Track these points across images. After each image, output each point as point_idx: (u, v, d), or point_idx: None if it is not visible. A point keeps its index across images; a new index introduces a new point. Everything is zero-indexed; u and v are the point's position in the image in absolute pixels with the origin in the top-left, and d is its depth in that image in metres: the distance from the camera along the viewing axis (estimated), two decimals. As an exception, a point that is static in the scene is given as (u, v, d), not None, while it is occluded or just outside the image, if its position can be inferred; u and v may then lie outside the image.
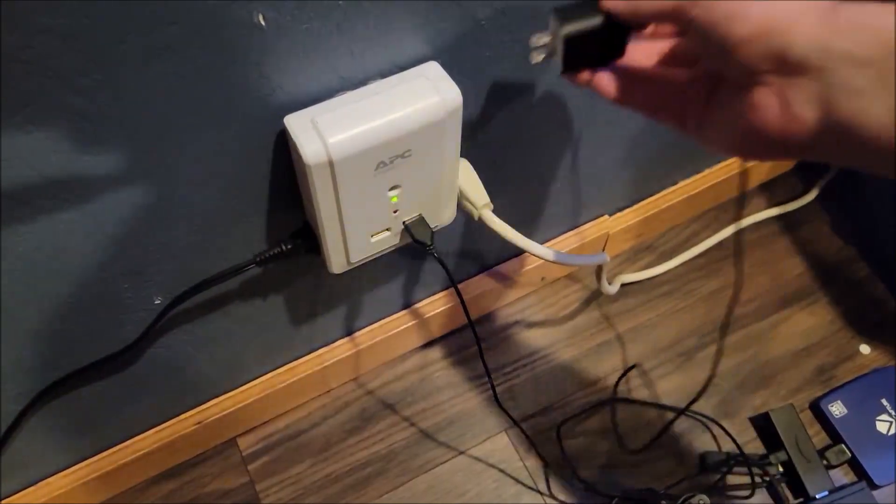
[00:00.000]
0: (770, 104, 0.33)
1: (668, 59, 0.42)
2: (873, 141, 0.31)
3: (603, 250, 0.89)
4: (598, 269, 0.79)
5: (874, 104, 0.30)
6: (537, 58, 0.44)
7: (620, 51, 0.43)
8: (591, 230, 0.85)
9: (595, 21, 0.41)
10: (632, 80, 0.43)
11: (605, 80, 0.43)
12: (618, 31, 0.41)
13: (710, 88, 0.38)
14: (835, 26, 0.31)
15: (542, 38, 0.43)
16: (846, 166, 0.34)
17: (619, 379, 0.84)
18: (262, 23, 0.41)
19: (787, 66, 0.32)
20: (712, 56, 0.35)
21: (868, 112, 0.31)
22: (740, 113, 0.35)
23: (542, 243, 0.81)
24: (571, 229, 0.85)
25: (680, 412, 0.81)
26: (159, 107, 0.42)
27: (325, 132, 0.45)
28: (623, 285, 0.89)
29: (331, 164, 0.45)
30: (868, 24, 0.30)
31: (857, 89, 0.30)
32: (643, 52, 0.43)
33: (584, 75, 0.43)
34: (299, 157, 0.45)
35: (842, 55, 0.30)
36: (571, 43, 0.41)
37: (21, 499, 0.68)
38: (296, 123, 0.46)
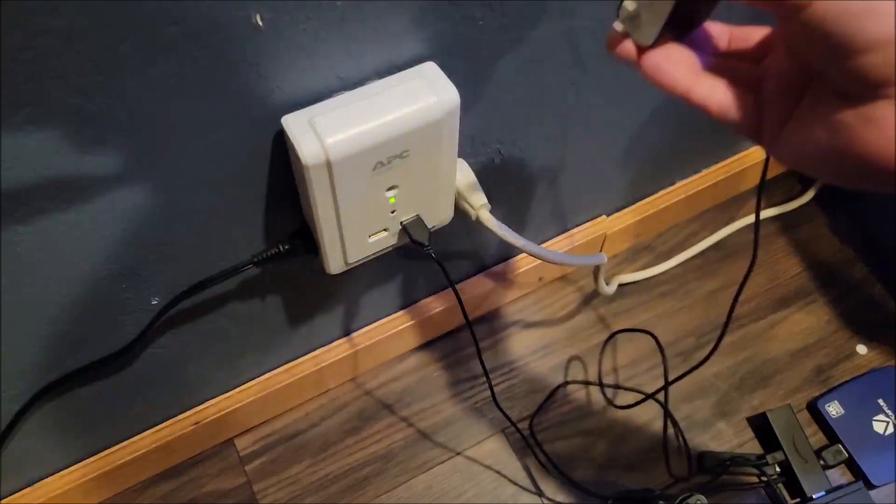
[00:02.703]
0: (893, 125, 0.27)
1: (747, 49, 0.35)
2: None
3: (601, 250, 0.89)
4: (596, 270, 0.79)
5: None
6: (620, 26, 0.36)
7: (701, 20, 0.36)
8: (589, 230, 0.85)
9: None
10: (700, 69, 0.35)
11: (665, 60, 0.35)
12: None
13: (800, 91, 0.31)
14: None
15: (632, 3, 0.36)
16: None
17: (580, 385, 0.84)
18: (260, 23, 0.41)
19: None
20: (823, 56, 0.28)
21: None
22: (844, 127, 0.28)
23: (539, 243, 0.81)
24: (569, 229, 0.85)
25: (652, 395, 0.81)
26: (158, 107, 0.42)
27: (322, 133, 0.45)
28: (621, 286, 0.89)
29: (328, 164, 0.45)
30: None
31: None
32: (715, 31, 0.36)
33: (655, 54, 0.35)
34: (297, 157, 0.45)
35: None
36: (679, 6, 0.34)
37: (19, 499, 0.68)
38: (293, 124, 0.46)
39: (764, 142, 0.33)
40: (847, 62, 0.27)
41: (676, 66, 0.34)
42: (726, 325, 0.66)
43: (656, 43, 0.35)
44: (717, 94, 0.34)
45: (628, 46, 0.35)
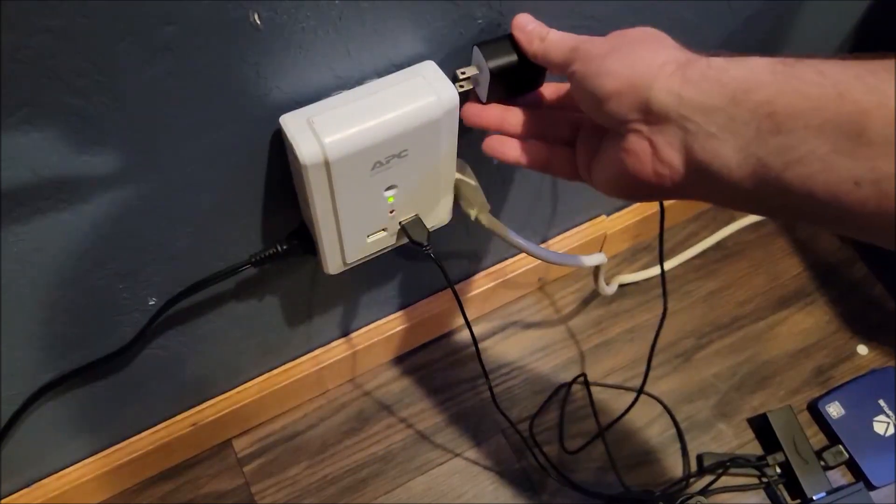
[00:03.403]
0: (642, 149, 0.37)
1: (569, 101, 0.48)
2: (726, 178, 0.34)
3: (600, 251, 0.89)
4: (596, 270, 0.79)
5: (724, 146, 0.34)
6: (462, 87, 0.49)
7: (537, 85, 0.49)
8: (589, 230, 0.85)
9: (513, 58, 0.47)
10: (527, 139, 0.48)
11: (499, 142, 0.48)
12: (535, 68, 0.47)
13: (600, 135, 0.42)
14: (687, 79, 0.35)
15: (468, 71, 0.49)
16: (713, 203, 0.38)
17: (569, 386, 0.84)
18: (258, 22, 0.41)
19: (652, 115, 0.36)
20: (588, 107, 0.40)
21: (719, 153, 0.34)
22: (619, 157, 0.39)
23: (539, 244, 0.81)
24: (569, 229, 0.85)
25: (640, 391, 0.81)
26: (157, 107, 0.42)
27: (321, 132, 0.44)
28: (621, 286, 0.89)
29: (327, 164, 0.45)
30: (714, 76, 0.34)
31: (710, 133, 0.34)
32: (550, 90, 0.50)
33: (491, 118, 0.49)
34: (295, 157, 0.45)
35: (694, 104, 0.34)
36: (496, 75, 0.47)
37: (18, 499, 0.68)
38: (292, 123, 0.45)
39: (582, 178, 0.45)
40: (600, 108, 0.38)
41: (503, 144, 0.48)
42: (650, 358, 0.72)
43: (490, 101, 0.49)
44: (539, 159, 0.47)
45: (470, 110, 0.49)
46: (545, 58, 0.44)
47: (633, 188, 0.39)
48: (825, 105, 0.30)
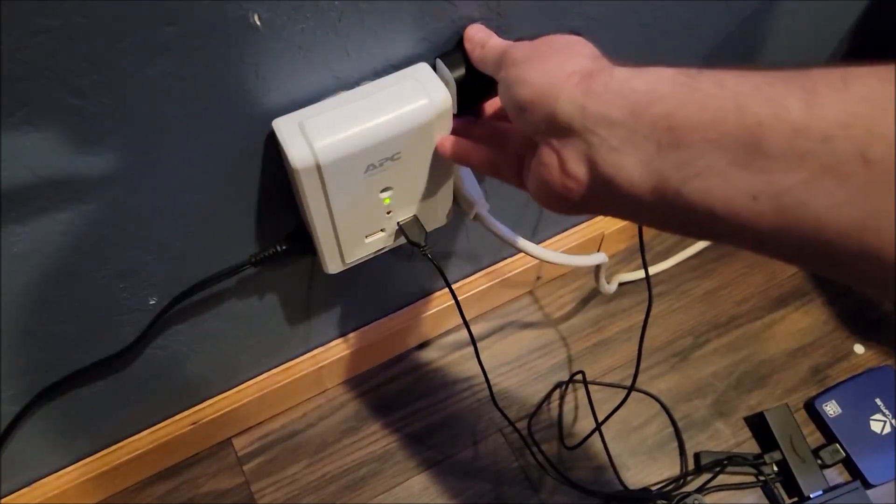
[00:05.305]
0: (552, 162, 0.36)
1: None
2: (629, 193, 0.33)
3: (598, 250, 0.89)
4: (597, 269, 0.79)
5: (626, 160, 0.32)
6: None
7: (484, 97, 0.50)
8: (587, 230, 0.85)
9: (463, 69, 0.48)
10: (481, 143, 0.48)
11: (449, 141, 0.48)
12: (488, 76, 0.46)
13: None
14: (590, 90, 0.34)
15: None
16: (621, 219, 0.36)
17: (566, 384, 0.84)
18: (258, 23, 0.41)
19: (558, 127, 0.35)
20: (512, 116, 0.39)
21: (622, 167, 0.33)
22: (537, 169, 0.38)
23: (537, 243, 0.81)
24: (567, 229, 0.85)
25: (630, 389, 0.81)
26: (156, 107, 0.42)
27: (312, 136, 0.44)
28: (620, 284, 0.89)
29: (318, 168, 0.45)
30: (616, 88, 0.33)
31: (612, 147, 0.33)
32: (491, 103, 0.50)
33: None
34: (287, 161, 0.45)
35: (597, 117, 0.33)
36: (461, 85, 0.48)
37: (17, 499, 0.68)
38: (284, 127, 0.45)
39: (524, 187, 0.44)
40: (520, 117, 0.38)
41: (454, 143, 0.48)
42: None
43: (460, 111, 0.50)
44: (486, 161, 0.47)
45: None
46: (484, 65, 0.45)
47: (550, 200, 0.38)
48: (724, 117, 0.29)
